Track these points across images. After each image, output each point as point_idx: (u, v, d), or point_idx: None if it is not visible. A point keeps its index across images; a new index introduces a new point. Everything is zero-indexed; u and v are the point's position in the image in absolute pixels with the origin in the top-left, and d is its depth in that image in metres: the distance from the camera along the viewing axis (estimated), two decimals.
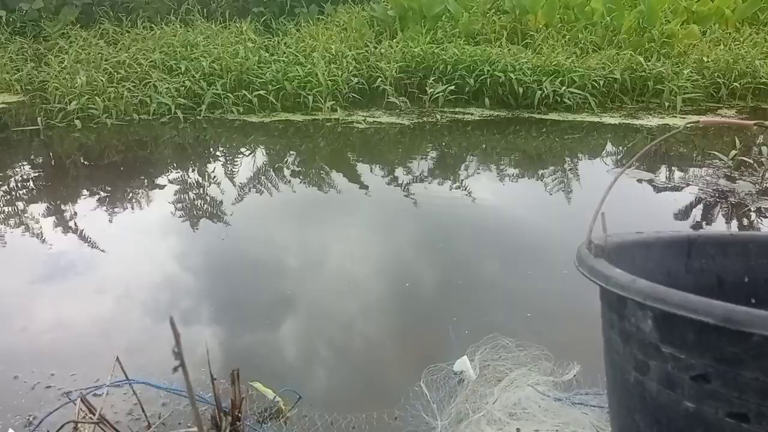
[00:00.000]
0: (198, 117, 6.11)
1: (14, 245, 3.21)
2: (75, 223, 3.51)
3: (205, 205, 3.88)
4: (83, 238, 3.28)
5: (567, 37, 7.80)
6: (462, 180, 4.35)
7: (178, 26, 8.10)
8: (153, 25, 8.19)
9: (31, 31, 8.37)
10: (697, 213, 3.61)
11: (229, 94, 6.35)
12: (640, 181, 4.21)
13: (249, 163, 4.86)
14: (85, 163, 4.97)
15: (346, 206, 3.88)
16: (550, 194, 4.01)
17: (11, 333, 2.31)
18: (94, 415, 1.50)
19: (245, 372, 1.81)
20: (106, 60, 6.82)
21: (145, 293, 2.61)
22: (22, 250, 3.15)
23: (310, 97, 6.29)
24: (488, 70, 6.62)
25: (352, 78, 6.71)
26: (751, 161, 4.33)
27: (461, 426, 1.70)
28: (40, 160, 5.01)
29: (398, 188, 4.18)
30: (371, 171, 4.68)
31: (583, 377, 1.92)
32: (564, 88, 6.45)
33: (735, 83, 6.90)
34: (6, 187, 4.23)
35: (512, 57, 6.84)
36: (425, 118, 6.22)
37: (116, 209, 3.79)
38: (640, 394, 1.11)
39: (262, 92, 6.36)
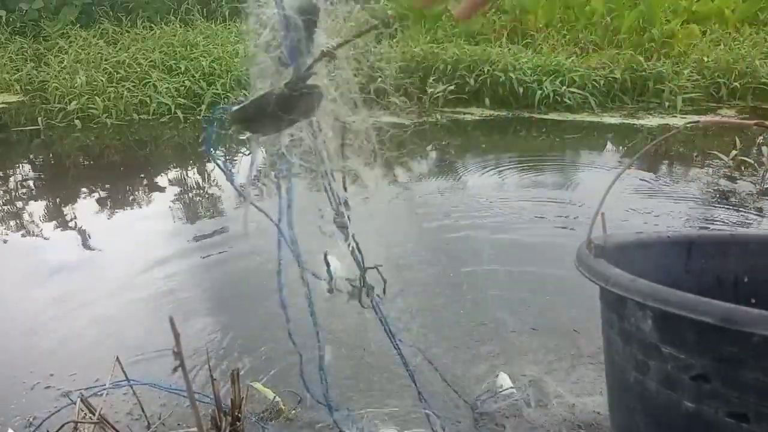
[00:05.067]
0: (198, 117, 6.11)
1: (14, 245, 3.21)
2: (75, 223, 3.51)
3: (205, 205, 3.88)
4: (83, 237, 3.28)
5: (567, 36, 7.79)
6: (462, 180, 4.35)
7: (178, 26, 8.10)
8: (153, 25, 8.20)
9: (31, 31, 8.37)
10: (697, 213, 3.60)
11: (229, 94, 6.35)
12: (640, 181, 4.21)
13: (249, 162, 4.86)
14: (85, 163, 4.97)
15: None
16: (550, 194, 4.01)
17: (11, 333, 2.31)
18: (94, 415, 1.50)
19: (245, 372, 1.81)
20: (105, 60, 6.82)
21: (144, 293, 2.61)
22: (21, 250, 3.15)
23: None
24: (488, 70, 6.62)
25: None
26: (751, 161, 4.32)
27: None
28: (40, 160, 5.00)
29: (397, 188, 4.18)
30: (371, 170, 4.68)
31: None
32: (564, 87, 6.45)
33: (735, 83, 6.89)
34: (6, 187, 4.23)
35: (512, 57, 6.84)
36: (425, 118, 6.22)
37: (116, 209, 3.79)
38: (640, 394, 1.11)
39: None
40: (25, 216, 3.64)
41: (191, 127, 5.86)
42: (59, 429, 1.46)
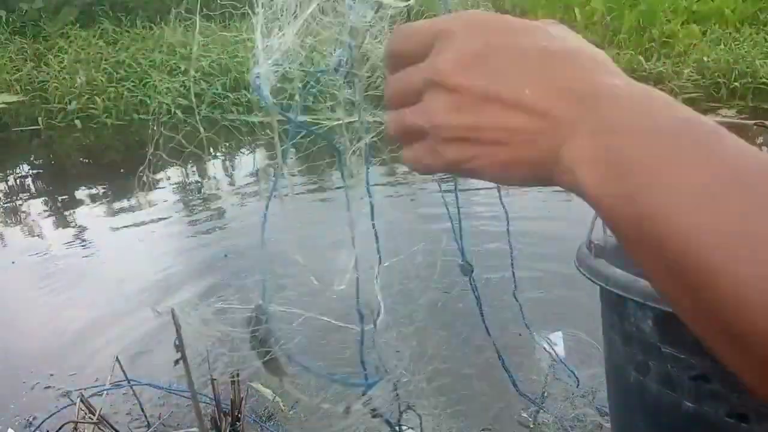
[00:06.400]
0: (198, 117, 6.11)
1: (14, 245, 3.21)
2: (75, 223, 3.51)
3: (205, 205, 3.88)
4: (83, 237, 3.28)
5: None
6: (460, 179, 4.35)
7: (178, 26, 8.09)
8: (152, 25, 8.19)
9: (31, 31, 8.37)
10: None
11: (228, 94, 6.35)
12: None
13: (249, 162, 4.86)
14: (86, 163, 4.97)
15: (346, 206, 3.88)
16: (550, 194, 4.01)
17: (11, 333, 2.31)
18: (93, 415, 1.50)
19: (245, 373, 1.80)
20: (105, 60, 6.82)
21: (144, 293, 2.61)
22: (21, 250, 3.15)
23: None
24: None
25: None
26: None
27: None
28: (41, 161, 5.00)
29: (398, 187, 4.18)
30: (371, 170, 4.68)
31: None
32: None
33: (735, 83, 6.89)
34: (6, 187, 4.23)
35: None
36: None
37: (116, 209, 3.79)
38: (640, 394, 1.11)
39: None
40: (25, 216, 3.63)
41: (192, 127, 5.86)
42: (59, 429, 1.46)
